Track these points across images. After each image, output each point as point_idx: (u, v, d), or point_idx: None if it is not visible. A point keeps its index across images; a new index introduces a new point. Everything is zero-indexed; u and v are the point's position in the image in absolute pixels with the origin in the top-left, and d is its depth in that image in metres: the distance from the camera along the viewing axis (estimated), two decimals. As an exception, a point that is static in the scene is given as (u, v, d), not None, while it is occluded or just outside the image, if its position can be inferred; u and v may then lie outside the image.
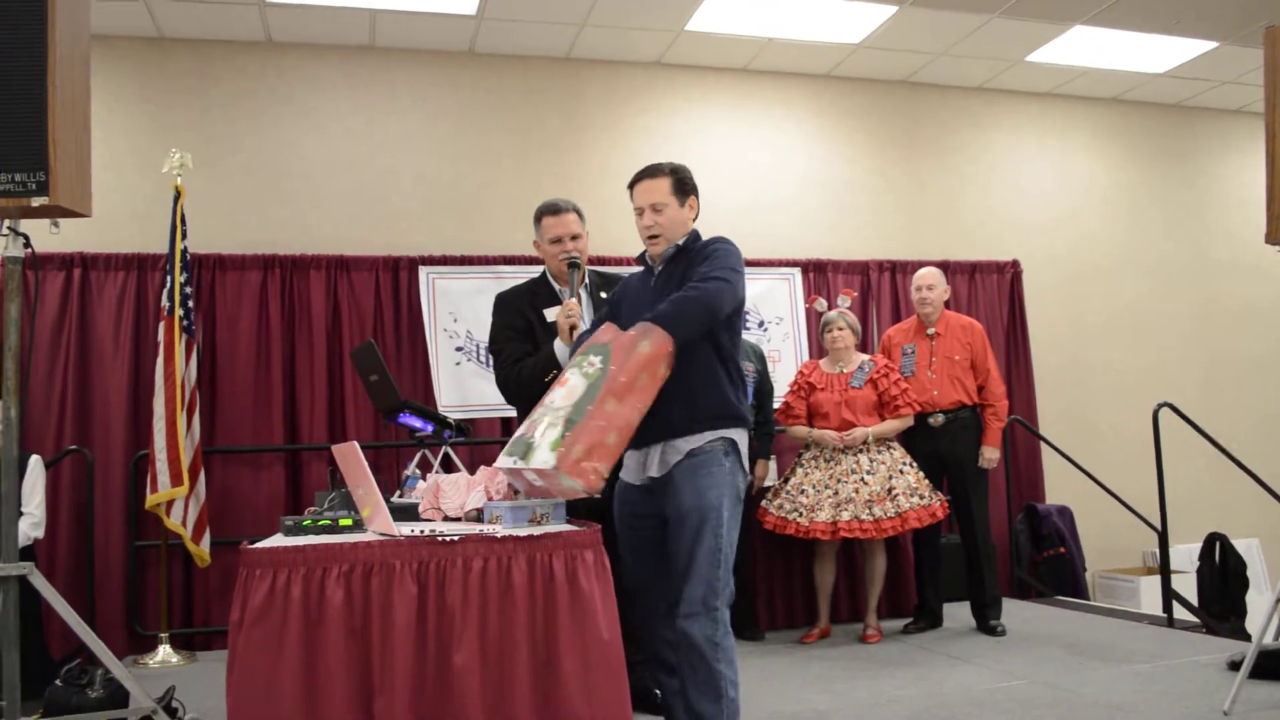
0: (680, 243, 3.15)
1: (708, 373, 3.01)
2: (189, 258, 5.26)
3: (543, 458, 2.66)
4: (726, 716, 2.86)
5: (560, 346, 3.42)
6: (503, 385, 3.70)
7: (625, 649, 3.68)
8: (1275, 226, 3.85)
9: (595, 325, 3.21)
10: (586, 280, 3.78)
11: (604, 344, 2.89)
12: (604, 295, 3.71)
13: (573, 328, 3.38)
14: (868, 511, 4.96)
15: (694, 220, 3.22)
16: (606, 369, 2.78)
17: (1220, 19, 6.34)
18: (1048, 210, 7.45)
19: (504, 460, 2.82)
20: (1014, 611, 5.64)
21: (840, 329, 5.28)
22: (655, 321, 2.82)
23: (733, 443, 3.04)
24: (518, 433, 2.87)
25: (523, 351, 3.63)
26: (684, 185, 3.18)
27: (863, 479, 5.04)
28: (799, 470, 5.23)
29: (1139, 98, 7.74)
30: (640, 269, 3.31)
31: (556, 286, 3.75)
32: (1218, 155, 8.05)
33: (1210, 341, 7.82)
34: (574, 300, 3.46)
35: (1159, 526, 5.73)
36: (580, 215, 3.74)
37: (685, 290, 2.89)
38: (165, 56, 5.88)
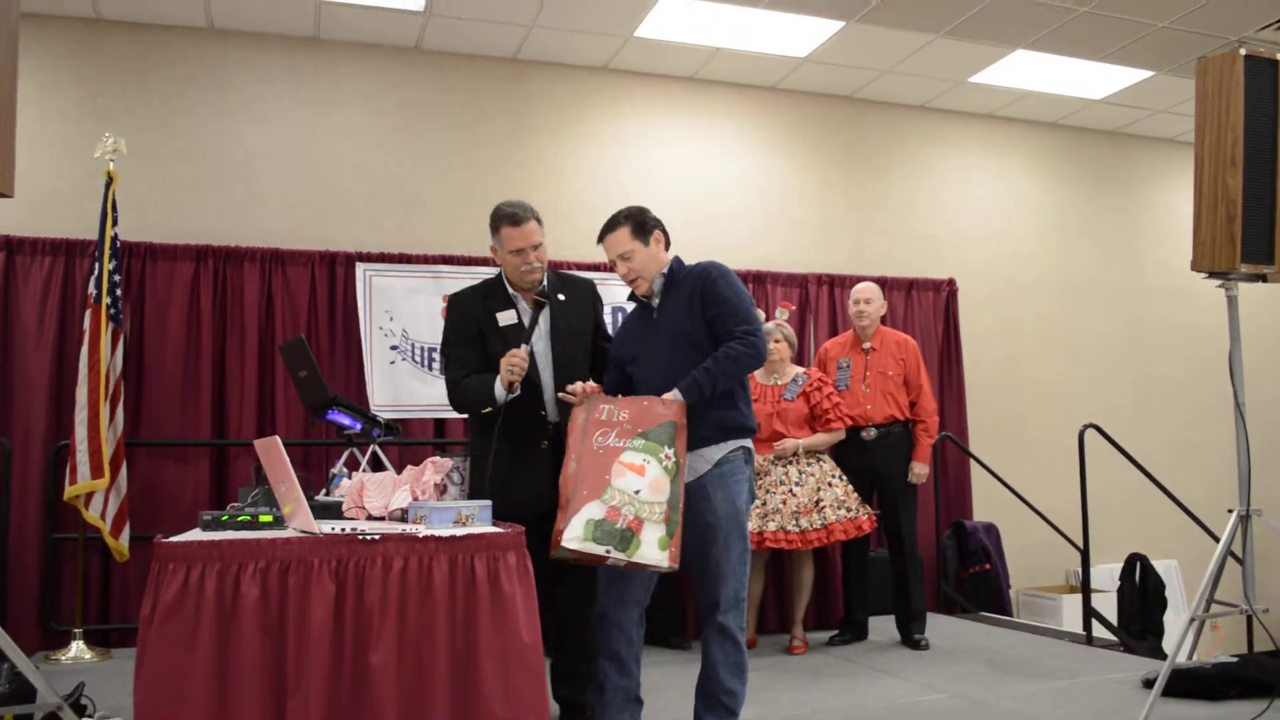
0: (665, 272, 3.44)
1: (730, 390, 3.34)
2: (119, 245, 5.15)
3: (654, 556, 2.98)
4: (745, 692, 3.32)
5: (499, 389, 3.36)
6: (449, 390, 3.64)
7: (571, 661, 3.69)
8: (1199, 253, 3.94)
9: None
10: (544, 282, 3.73)
11: (667, 429, 3.12)
12: (561, 297, 3.69)
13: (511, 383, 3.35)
14: (794, 523, 4.99)
15: (667, 249, 3.50)
16: (679, 462, 3.11)
17: (1156, 49, 6.50)
18: (985, 230, 7.57)
19: (588, 547, 2.97)
20: (938, 626, 5.70)
21: (777, 341, 5.30)
22: (719, 377, 3.21)
23: (749, 451, 3.42)
24: (590, 515, 2.99)
25: (469, 361, 3.57)
26: (643, 226, 3.44)
27: (791, 490, 5.06)
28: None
29: (1077, 123, 7.90)
30: (633, 305, 3.59)
31: (519, 301, 3.67)
32: (1150, 182, 8.24)
33: (1138, 365, 7.99)
34: (524, 352, 3.37)
35: (1082, 546, 5.83)
36: (539, 221, 3.62)
37: (730, 348, 3.24)
38: (103, 39, 5.75)
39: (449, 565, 2.59)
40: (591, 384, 3.30)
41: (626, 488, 3.03)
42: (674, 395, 3.17)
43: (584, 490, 3.05)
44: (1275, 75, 3.97)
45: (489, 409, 3.41)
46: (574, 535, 3.00)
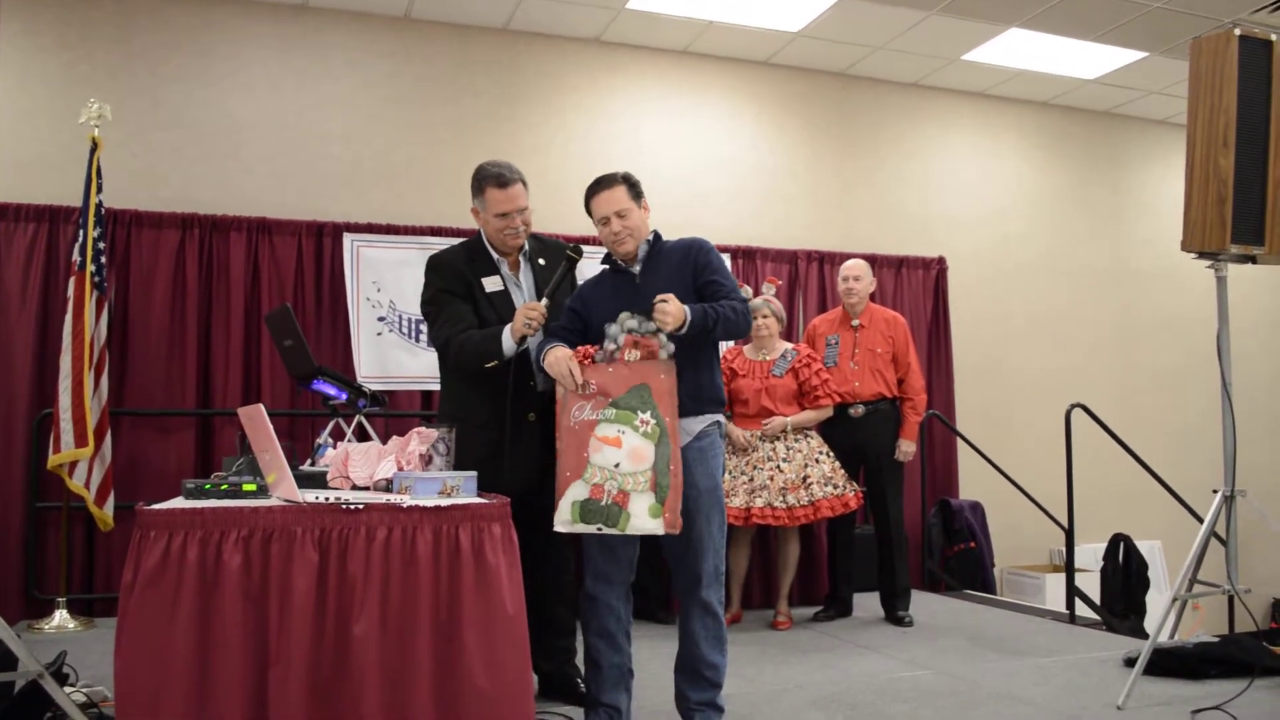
0: (650, 240, 3.39)
1: (705, 358, 3.35)
2: (104, 212, 5.10)
3: (648, 525, 2.98)
4: (726, 664, 3.34)
5: (508, 340, 3.29)
6: (444, 346, 3.48)
7: (554, 635, 3.70)
8: (1190, 233, 3.95)
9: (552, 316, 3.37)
10: (526, 248, 3.69)
11: (641, 392, 3.06)
12: (541, 262, 3.65)
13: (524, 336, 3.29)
14: (781, 499, 4.99)
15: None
16: (663, 422, 3.04)
17: (1151, 29, 6.48)
18: (976, 209, 7.56)
19: (578, 528, 3.03)
20: (922, 603, 5.73)
21: (765, 317, 5.29)
22: (720, 320, 3.18)
23: (722, 424, 3.43)
24: (574, 496, 3.04)
25: (467, 315, 3.47)
26: (637, 189, 3.40)
27: (778, 467, 5.06)
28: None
29: (1069, 103, 7.88)
30: (603, 269, 3.46)
31: (503, 265, 3.62)
32: (1142, 164, 8.23)
33: (1126, 347, 8.00)
34: (542, 305, 3.27)
35: (1066, 525, 5.85)
36: (525, 184, 3.54)
37: (734, 305, 3.24)
38: (88, 4, 5.66)
39: (433, 535, 2.57)
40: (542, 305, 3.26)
41: (605, 463, 3.03)
42: (677, 305, 3.08)
43: (566, 471, 3.07)
44: (1269, 56, 3.96)
45: (493, 363, 3.32)
46: (563, 519, 3.05)
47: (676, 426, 3.08)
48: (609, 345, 3.13)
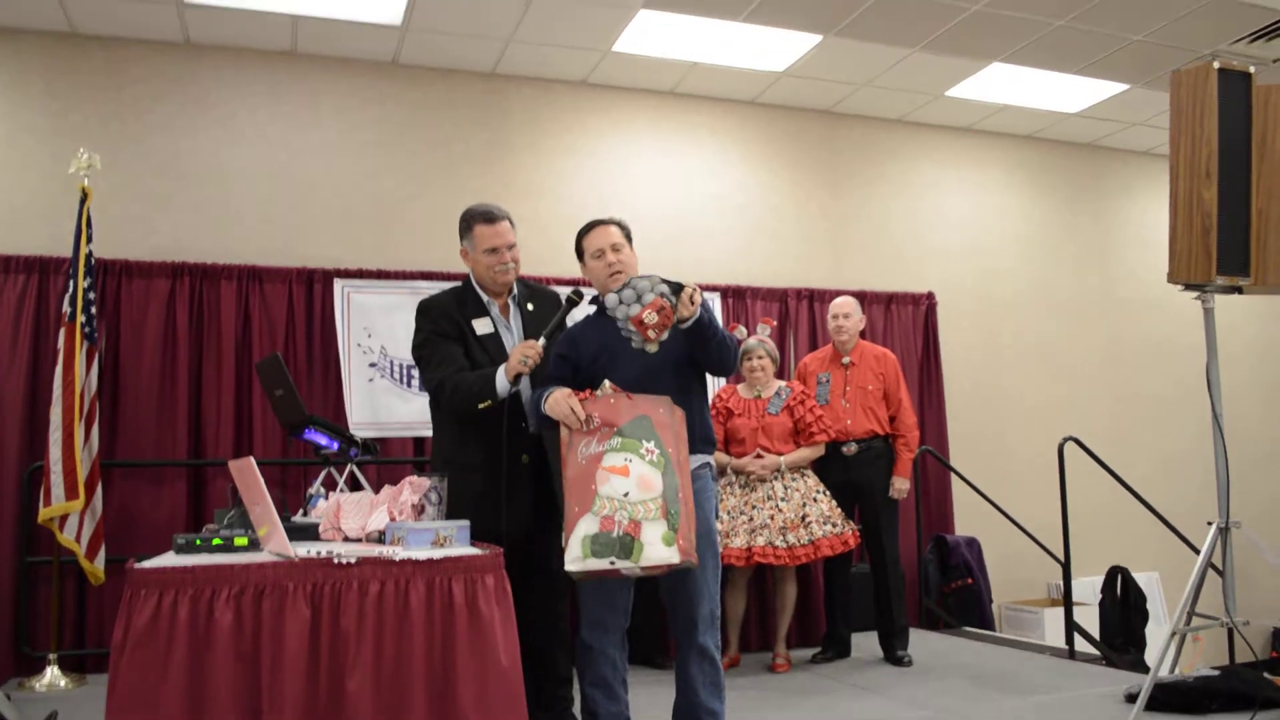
0: None
1: (698, 399, 3.37)
2: (94, 262, 5.10)
3: (662, 554, 2.91)
4: (725, 710, 3.31)
5: (502, 380, 3.29)
6: (437, 388, 3.48)
7: (552, 685, 3.64)
8: (1176, 265, 3.97)
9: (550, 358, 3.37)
10: (514, 292, 3.70)
11: (643, 423, 3.06)
12: (530, 307, 3.67)
13: (519, 375, 3.29)
14: (781, 538, 4.97)
15: None
16: (666, 452, 3.03)
17: (1132, 62, 6.54)
18: (964, 242, 7.59)
19: (590, 564, 2.94)
20: (921, 642, 5.69)
21: (760, 358, 5.30)
22: (717, 332, 3.23)
23: (711, 465, 3.41)
24: (584, 531, 2.96)
25: (459, 357, 3.48)
26: (628, 233, 3.48)
27: (777, 506, 5.04)
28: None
29: (1053, 136, 7.94)
30: (588, 315, 3.47)
31: (493, 308, 3.64)
32: (1127, 195, 8.29)
33: (1116, 377, 8.02)
34: (539, 344, 3.29)
35: (1063, 559, 5.83)
36: (512, 223, 3.61)
37: (730, 342, 3.33)
38: (77, 53, 5.69)
39: (426, 588, 2.55)
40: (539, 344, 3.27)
41: (614, 493, 2.97)
42: (694, 289, 3.08)
43: (575, 507, 3.01)
44: (1248, 88, 4.00)
45: (487, 403, 3.31)
46: (574, 556, 2.96)
47: (684, 460, 3.07)
48: (628, 298, 3.07)
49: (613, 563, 2.92)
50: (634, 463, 3.00)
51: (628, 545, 2.91)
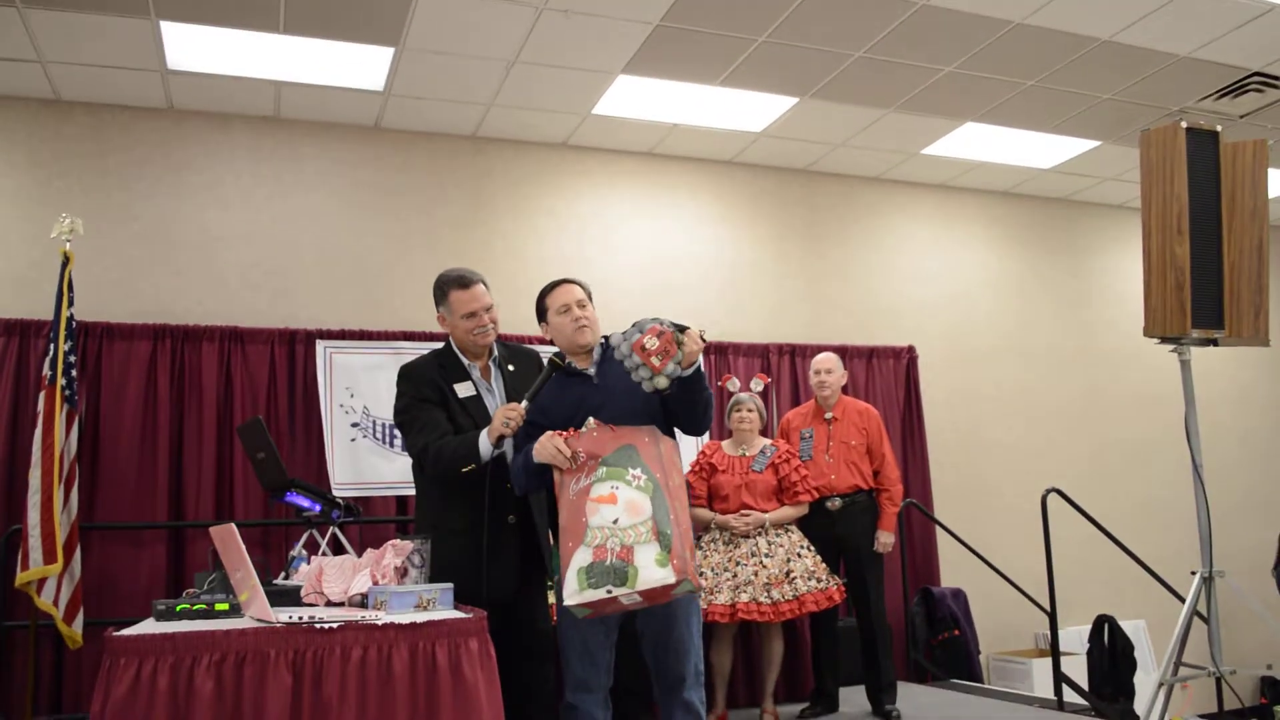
0: (601, 345, 3.40)
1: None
2: (75, 325, 5.09)
3: (658, 576, 2.87)
4: None
5: (485, 443, 3.29)
6: (420, 453, 3.47)
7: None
8: (1151, 320, 4.03)
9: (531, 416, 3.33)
10: (495, 353, 3.72)
11: (628, 452, 3.06)
12: (511, 368, 3.68)
13: (501, 437, 3.28)
14: (766, 594, 4.95)
15: None
16: (654, 478, 3.02)
17: (1101, 120, 6.67)
18: (942, 297, 7.67)
19: (588, 595, 2.91)
20: (909, 695, 5.65)
21: (749, 410, 5.33)
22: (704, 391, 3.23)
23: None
24: (578, 564, 2.95)
25: (442, 422, 3.48)
26: (589, 293, 3.50)
27: (761, 562, 5.04)
28: (697, 553, 5.20)
29: (1028, 191, 8.07)
30: (553, 377, 3.40)
31: (474, 370, 3.64)
32: (1102, 248, 8.41)
33: (1096, 427, 8.07)
34: (522, 407, 3.29)
35: (1049, 609, 5.82)
36: (486, 285, 3.61)
37: (710, 399, 3.31)
38: (61, 120, 5.74)
39: (409, 653, 2.53)
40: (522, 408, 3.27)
41: (603, 521, 2.97)
42: (701, 330, 3.11)
43: (569, 542, 3.00)
44: (1216, 146, 4.09)
45: (471, 467, 3.31)
46: (571, 590, 2.94)
47: (676, 487, 3.06)
48: (630, 333, 3.11)
49: (610, 591, 2.88)
50: (620, 489, 3.00)
51: (622, 572, 2.89)
